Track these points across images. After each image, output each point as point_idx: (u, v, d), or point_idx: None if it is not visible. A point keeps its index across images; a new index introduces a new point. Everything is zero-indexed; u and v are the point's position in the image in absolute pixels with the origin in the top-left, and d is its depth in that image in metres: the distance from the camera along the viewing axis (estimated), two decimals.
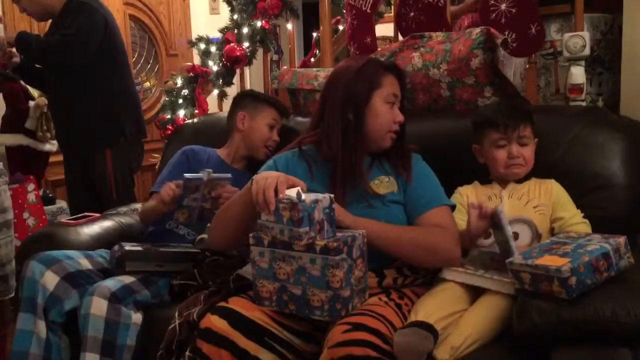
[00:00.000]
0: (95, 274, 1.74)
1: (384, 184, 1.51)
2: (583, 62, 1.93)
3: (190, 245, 1.86)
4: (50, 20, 2.58)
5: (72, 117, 2.56)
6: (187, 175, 1.74)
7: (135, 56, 4.20)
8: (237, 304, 1.35)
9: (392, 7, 2.90)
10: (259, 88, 3.37)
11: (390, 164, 1.55)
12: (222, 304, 1.36)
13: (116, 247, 1.76)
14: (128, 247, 1.75)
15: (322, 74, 2.28)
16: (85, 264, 1.75)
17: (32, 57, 2.51)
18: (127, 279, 1.69)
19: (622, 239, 1.26)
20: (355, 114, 1.46)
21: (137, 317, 1.65)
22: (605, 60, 2.14)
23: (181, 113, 2.86)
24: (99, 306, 1.58)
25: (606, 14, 2.15)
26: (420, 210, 1.48)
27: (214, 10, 4.54)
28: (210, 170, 1.75)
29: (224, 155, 2.09)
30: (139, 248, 1.76)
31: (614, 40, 2.09)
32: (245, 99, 2.14)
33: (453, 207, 1.54)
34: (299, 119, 2.27)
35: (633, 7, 1.82)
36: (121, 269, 1.72)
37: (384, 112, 1.49)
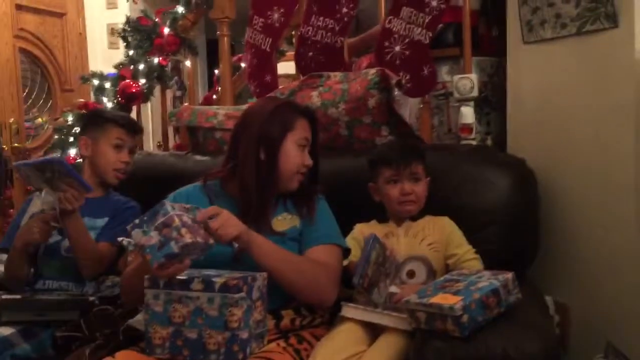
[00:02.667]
0: None
1: (287, 221, 1.50)
2: (472, 103, 2.02)
3: (77, 292, 1.74)
4: None
5: None
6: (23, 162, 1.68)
7: (27, 91, 3.98)
8: (125, 358, 1.27)
9: (294, 46, 2.93)
10: (158, 126, 3.28)
11: (293, 203, 1.54)
12: (108, 359, 1.26)
13: None
14: (4, 296, 1.62)
15: (221, 112, 2.24)
16: None
17: None
18: (5, 331, 1.56)
19: (509, 275, 1.30)
20: (268, 154, 1.46)
21: None
22: (492, 100, 2.25)
23: (72, 152, 2.72)
24: None
25: (492, 57, 2.27)
26: (310, 244, 1.48)
27: (112, 45, 4.40)
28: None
29: None
30: (17, 296, 1.64)
31: (499, 83, 2.21)
32: (88, 121, 2.03)
33: (346, 251, 1.54)
34: (198, 157, 2.21)
35: (516, 52, 1.93)
36: None
37: (294, 155, 1.50)
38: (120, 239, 1.30)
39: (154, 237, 1.17)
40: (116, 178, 1.94)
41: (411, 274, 1.55)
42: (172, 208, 1.21)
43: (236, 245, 1.30)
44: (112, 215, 1.88)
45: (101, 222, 1.86)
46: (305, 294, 1.42)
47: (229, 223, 1.30)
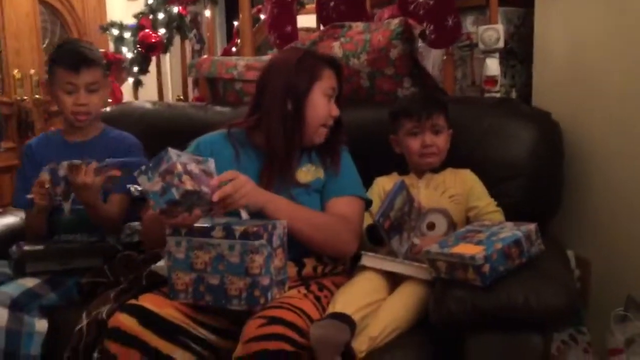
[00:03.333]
0: None
1: (311, 172, 1.50)
2: (497, 55, 1.97)
3: (97, 239, 1.75)
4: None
5: None
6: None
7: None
8: (149, 301, 1.29)
9: None
10: (178, 77, 3.26)
11: (318, 154, 1.53)
12: (132, 301, 1.29)
13: (14, 248, 1.63)
14: (27, 247, 1.62)
15: (241, 63, 2.22)
16: None
17: None
18: (30, 282, 1.58)
19: (532, 226, 1.29)
20: (295, 105, 1.44)
21: (41, 325, 1.54)
22: (518, 53, 2.20)
23: None
24: None
25: (520, 7, 2.20)
26: (332, 195, 1.48)
27: None
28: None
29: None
30: (40, 247, 1.64)
31: (526, 34, 2.14)
32: (47, 63, 1.89)
33: (369, 203, 1.53)
34: (218, 108, 2.20)
35: (545, 2, 1.87)
36: (21, 272, 1.60)
37: (322, 105, 1.47)
38: (129, 186, 1.28)
39: (156, 184, 1.17)
40: (78, 121, 1.83)
41: (431, 226, 1.55)
42: (178, 156, 1.20)
43: (243, 216, 1.27)
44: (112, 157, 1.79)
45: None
46: (325, 249, 1.43)
47: (241, 191, 1.27)
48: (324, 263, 1.46)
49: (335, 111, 1.50)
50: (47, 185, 1.64)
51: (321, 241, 1.40)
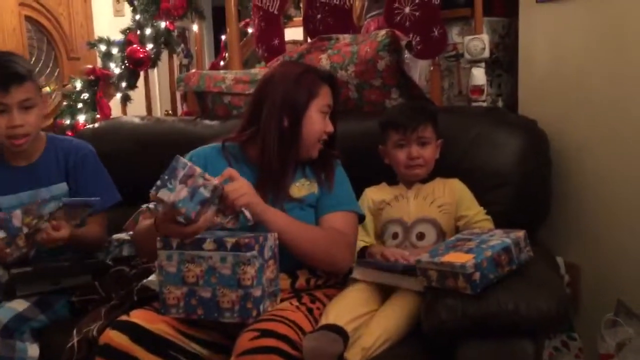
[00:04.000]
0: None
1: (305, 187, 1.50)
2: (483, 64, 1.99)
3: (82, 255, 1.72)
4: None
5: None
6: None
7: (33, 60, 3.96)
8: (139, 316, 1.28)
9: (301, 10, 2.90)
10: (166, 91, 3.27)
11: (312, 169, 1.54)
12: (123, 317, 1.29)
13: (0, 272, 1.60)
14: (15, 269, 1.58)
15: (229, 76, 2.23)
16: None
17: None
18: (20, 306, 1.55)
19: (521, 233, 1.30)
20: (292, 121, 1.45)
21: (33, 350, 1.52)
22: (504, 62, 2.22)
23: (81, 118, 2.71)
24: None
25: (504, 17, 2.23)
26: (326, 210, 1.48)
27: (118, 12, 4.36)
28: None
29: None
30: (28, 268, 1.59)
31: (511, 44, 2.17)
32: None
33: (362, 218, 1.54)
34: (207, 122, 2.21)
35: (528, 12, 1.90)
36: (12, 295, 1.57)
37: (317, 122, 1.48)
38: (144, 206, 1.24)
39: (181, 191, 1.19)
40: (14, 145, 1.64)
41: (421, 236, 1.55)
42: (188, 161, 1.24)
43: (248, 215, 1.28)
44: (66, 175, 1.72)
45: (59, 187, 1.69)
46: (320, 264, 1.43)
47: (242, 190, 1.29)
48: (317, 276, 1.46)
49: (330, 127, 1.51)
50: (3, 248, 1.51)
51: (316, 255, 1.40)
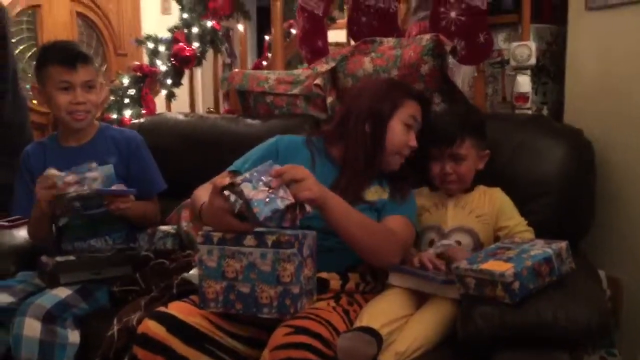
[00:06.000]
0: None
1: (377, 193, 1.53)
2: (529, 72, 1.96)
3: (124, 247, 1.77)
4: None
5: None
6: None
7: None
8: (177, 309, 1.31)
9: (345, 12, 2.90)
10: (209, 90, 3.32)
11: (388, 181, 1.56)
12: (161, 309, 1.31)
13: (44, 259, 1.65)
14: (59, 257, 1.63)
15: (272, 77, 2.25)
16: (4, 298, 1.59)
17: None
18: (63, 293, 1.59)
19: (564, 244, 1.28)
20: (374, 128, 1.51)
21: (74, 336, 1.56)
22: (550, 70, 2.18)
23: (127, 113, 2.78)
24: (32, 327, 1.48)
25: (552, 25, 2.19)
26: (387, 213, 1.50)
27: (165, 10, 4.45)
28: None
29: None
30: (72, 257, 1.65)
31: (558, 51, 2.13)
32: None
33: (416, 234, 1.55)
34: (249, 120, 2.23)
35: (577, 20, 1.86)
36: (56, 283, 1.61)
37: (399, 132, 1.52)
38: (226, 193, 1.25)
39: (261, 192, 1.22)
40: (76, 120, 1.75)
41: (457, 245, 1.53)
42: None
43: (308, 208, 1.28)
44: (119, 156, 1.80)
45: (108, 168, 1.71)
46: (371, 257, 1.43)
47: (307, 184, 1.27)
48: (367, 281, 1.48)
49: (413, 142, 1.54)
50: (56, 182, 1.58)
51: (369, 246, 1.40)
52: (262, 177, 1.24)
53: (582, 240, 1.66)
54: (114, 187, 1.66)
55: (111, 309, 1.62)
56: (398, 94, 1.55)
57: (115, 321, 1.44)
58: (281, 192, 1.23)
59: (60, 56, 1.71)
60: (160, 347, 1.25)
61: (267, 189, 1.22)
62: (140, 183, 1.77)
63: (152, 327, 1.26)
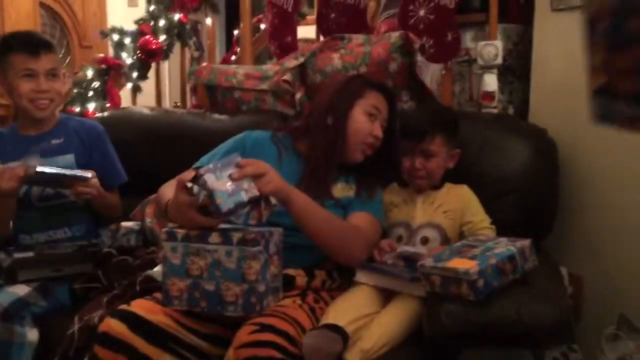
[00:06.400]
0: None
1: (344, 190, 1.53)
2: (496, 71, 1.98)
3: (85, 243, 1.73)
4: None
5: None
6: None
7: None
8: (140, 306, 1.29)
9: (315, 8, 2.89)
10: (176, 84, 3.27)
11: (355, 179, 1.55)
12: (123, 306, 1.29)
13: (1, 255, 1.60)
14: (17, 254, 1.59)
15: (240, 71, 2.23)
16: None
17: None
18: (21, 290, 1.55)
19: (527, 242, 1.30)
20: (336, 119, 1.51)
21: (32, 334, 1.52)
22: (516, 69, 2.21)
23: (91, 106, 2.72)
24: None
25: (519, 24, 2.21)
26: (355, 208, 1.49)
27: (132, 2, 4.37)
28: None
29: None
30: (30, 254, 1.61)
31: (524, 51, 2.16)
32: None
33: (383, 232, 1.55)
34: (216, 115, 2.20)
35: (543, 21, 1.89)
36: (13, 280, 1.57)
37: (362, 122, 1.52)
38: (189, 185, 1.22)
39: (226, 184, 1.20)
40: (39, 109, 1.71)
41: (425, 241, 1.54)
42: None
43: (274, 201, 1.27)
44: (80, 146, 1.78)
45: (65, 158, 1.73)
46: (335, 253, 1.43)
47: (269, 177, 1.26)
48: (333, 278, 1.48)
49: (378, 131, 1.54)
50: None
51: (334, 243, 1.40)
52: (227, 169, 1.22)
53: (545, 237, 1.69)
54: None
55: (72, 307, 1.58)
56: (358, 85, 1.57)
57: (76, 319, 1.41)
58: (245, 185, 1.22)
59: (23, 44, 1.68)
60: (122, 345, 1.22)
61: (231, 181, 1.21)
62: (101, 173, 1.73)
63: (114, 326, 1.24)
